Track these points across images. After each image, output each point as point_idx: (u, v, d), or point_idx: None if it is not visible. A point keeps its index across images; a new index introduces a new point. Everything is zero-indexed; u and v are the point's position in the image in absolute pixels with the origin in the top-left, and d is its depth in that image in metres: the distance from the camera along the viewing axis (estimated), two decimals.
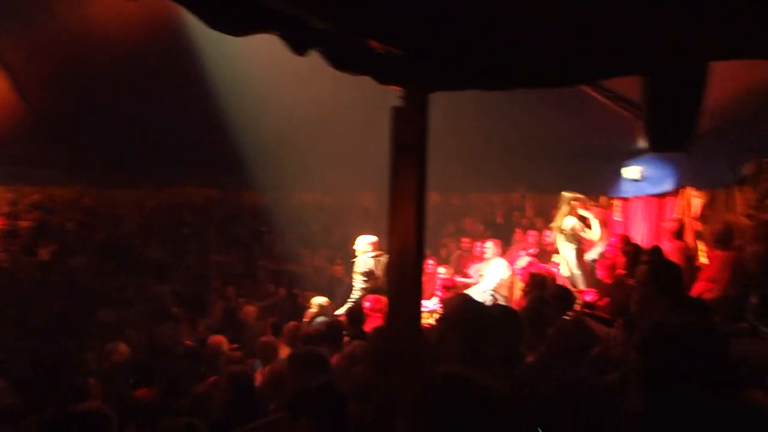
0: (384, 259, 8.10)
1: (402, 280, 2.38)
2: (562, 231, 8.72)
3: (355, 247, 8.31)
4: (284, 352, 7.36)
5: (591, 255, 8.87)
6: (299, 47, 2.20)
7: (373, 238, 8.30)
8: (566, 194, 8.78)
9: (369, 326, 6.31)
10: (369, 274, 8.08)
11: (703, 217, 7.25)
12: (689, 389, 1.67)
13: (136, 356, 8.18)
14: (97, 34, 10.23)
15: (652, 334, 1.79)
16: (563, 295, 5.84)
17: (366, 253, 8.17)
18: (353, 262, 8.30)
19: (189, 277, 12.34)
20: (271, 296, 11.50)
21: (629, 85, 6.53)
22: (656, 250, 6.83)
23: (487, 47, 2.34)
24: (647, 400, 1.73)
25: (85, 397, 5.59)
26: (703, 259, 7.14)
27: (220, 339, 7.40)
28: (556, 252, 9.28)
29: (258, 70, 9.61)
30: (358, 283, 8.05)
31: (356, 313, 6.78)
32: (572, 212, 8.70)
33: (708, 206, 7.17)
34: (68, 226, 14.83)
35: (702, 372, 1.68)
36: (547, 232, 9.94)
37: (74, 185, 15.79)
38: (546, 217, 11.18)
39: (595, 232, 8.68)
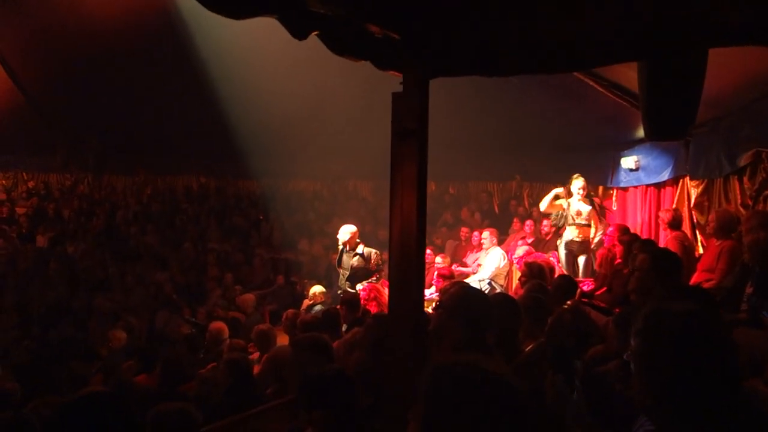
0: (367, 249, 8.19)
1: (404, 263, 2.39)
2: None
3: (339, 237, 8.36)
4: (282, 339, 7.42)
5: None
6: (299, 31, 2.19)
7: (353, 228, 8.34)
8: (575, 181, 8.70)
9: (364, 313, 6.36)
10: (361, 263, 8.15)
11: (700, 207, 7.26)
12: (695, 377, 1.66)
13: (136, 342, 8.21)
14: (93, 22, 10.19)
15: (656, 320, 1.76)
16: (564, 284, 5.86)
17: (351, 243, 8.24)
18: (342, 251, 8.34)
19: (187, 264, 12.33)
20: (268, 284, 11.52)
21: (626, 75, 6.53)
22: (650, 241, 6.87)
23: (485, 33, 2.33)
24: (651, 388, 1.72)
25: (86, 382, 5.61)
26: (700, 249, 7.17)
27: (221, 326, 7.42)
28: (555, 241, 9.30)
29: (255, 58, 9.59)
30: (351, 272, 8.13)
31: (352, 301, 6.82)
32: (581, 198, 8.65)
33: (705, 196, 7.18)
34: (65, 214, 14.82)
35: (708, 360, 1.66)
36: (545, 221, 9.95)
37: (70, 172, 15.78)
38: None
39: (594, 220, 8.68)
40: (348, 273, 8.24)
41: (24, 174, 16.00)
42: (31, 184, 15.93)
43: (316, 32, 2.25)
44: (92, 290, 11.31)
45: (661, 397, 1.71)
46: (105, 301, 10.70)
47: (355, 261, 8.20)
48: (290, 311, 7.39)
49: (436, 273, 8.59)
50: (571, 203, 8.59)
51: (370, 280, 8.00)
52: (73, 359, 7.81)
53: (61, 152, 14.84)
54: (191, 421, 3.34)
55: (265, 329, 6.74)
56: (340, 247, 8.39)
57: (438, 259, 9.48)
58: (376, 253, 8.23)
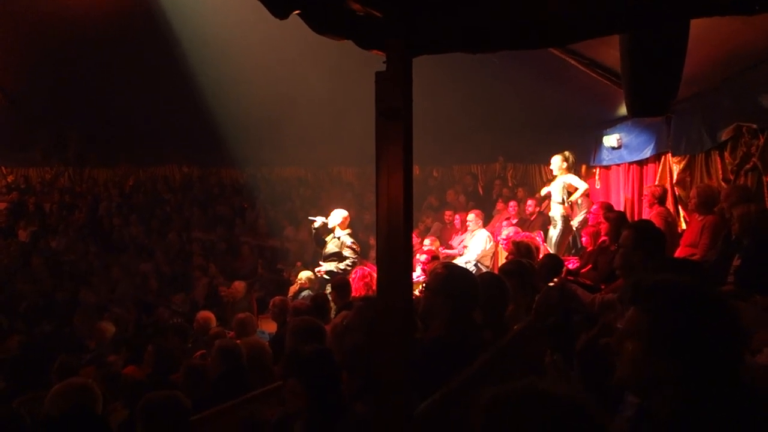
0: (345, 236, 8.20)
1: (392, 245, 2.38)
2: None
3: (329, 220, 8.33)
4: (270, 326, 7.41)
5: (574, 222, 8.96)
6: (279, 10, 2.17)
7: (345, 213, 8.35)
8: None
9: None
10: (350, 249, 8.15)
11: (682, 183, 7.31)
12: (701, 349, 1.64)
13: (123, 334, 8.18)
14: (71, 15, 10.03)
15: (658, 293, 1.72)
16: (550, 262, 5.89)
17: (342, 228, 8.24)
18: (332, 236, 8.32)
19: (172, 254, 12.28)
20: (256, 272, 11.50)
21: (607, 53, 6.55)
22: (622, 216, 6.99)
23: (468, 9, 2.32)
24: (656, 363, 1.68)
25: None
26: (683, 224, 7.23)
27: (208, 315, 7.40)
28: (538, 221, 9.37)
29: (235, 46, 9.50)
30: (341, 256, 8.13)
31: (342, 285, 6.82)
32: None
33: (687, 172, 7.24)
34: (47, 207, 14.67)
35: (712, 331, 1.65)
36: (530, 201, 10.01)
37: (51, 165, 15.62)
38: (527, 186, 11.25)
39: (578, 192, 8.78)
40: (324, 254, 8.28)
41: (3, 168, 15.79)
42: (10, 179, 15.73)
43: (297, 11, 2.23)
44: (77, 283, 11.23)
45: (661, 372, 1.68)
46: (90, 294, 10.64)
47: (332, 244, 8.21)
48: (277, 298, 7.37)
49: (418, 255, 8.60)
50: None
51: (342, 265, 7.99)
52: (61, 353, 7.76)
53: (41, 146, 14.67)
54: (181, 408, 3.34)
55: (244, 317, 6.73)
56: (316, 226, 8.36)
57: (426, 242, 9.51)
58: (354, 242, 8.23)
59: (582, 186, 8.77)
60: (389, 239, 2.44)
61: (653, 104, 4.36)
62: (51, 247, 12.86)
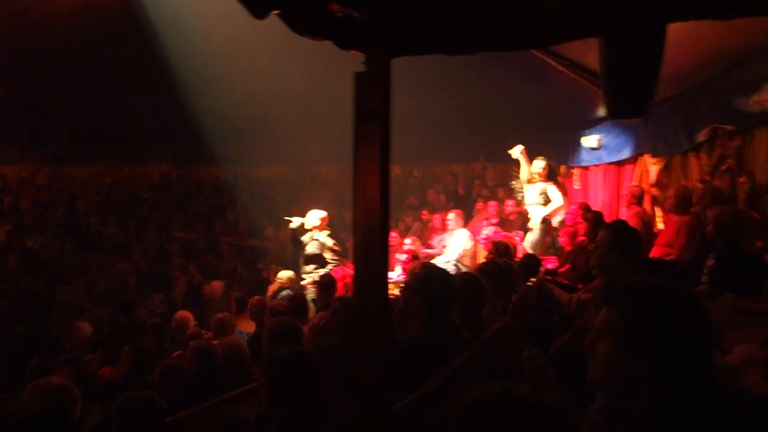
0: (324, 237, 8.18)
1: (368, 246, 2.38)
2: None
3: (306, 221, 8.29)
4: (248, 326, 7.38)
5: (554, 222, 9.01)
6: (258, 10, 2.15)
7: (323, 213, 8.31)
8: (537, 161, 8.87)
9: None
10: (331, 251, 8.13)
11: (659, 184, 7.39)
12: (672, 350, 1.65)
13: (101, 334, 8.09)
14: (47, 9, 9.89)
15: (631, 294, 1.73)
16: (528, 262, 5.94)
17: (320, 229, 8.22)
18: (309, 236, 8.30)
19: (150, 254, 12.17)
20: (234, 271, 11.44)
21: (587, 54, 6.59)
22: (600, 216, 7.05)
23: (447, 11, 2.32)
24: (631, 364, 1.69)
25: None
26: (659, 224, 7.31)
27: (186, 315, 7.34)
28: (518, 221, 9.42)
29: (216, 44, 9.44)
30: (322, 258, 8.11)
31: (328, 284, 6.81)
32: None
33: (664, 173, 7.32)
34: (23, 206, 14.47)
35: (684, 331, 1.66)
36: (509, 202, 10.06)
37: (27, 163, 15.40)
38: (507, 187, 11.31)
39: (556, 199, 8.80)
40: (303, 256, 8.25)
41: None
42: None
43: (276, 11, 2.21)
44: (53, 282, 11.09)
45: (635, 373, 1.69)
46: (67, 294, 10.51)
47: (311, 246, 8.17)
48: (256, 298, 7.35)
49: (398, 255, 8.61)
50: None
51: (326, 268, 7.96)
52: (36, 353, 7.66)
53: (18, 143, 14.46)
54: (156, 409, 3.32)
55: (222, 317, 6.70)
56: (293, 226, 8.32)
57: (407, 241, 9.52)
58: (335, 243, 8.19)
59: (556, 202, 8.76)
60: (366, 239, 2.44)
61: (631, 106, 4.40)
62: (27, 245, 12.69)
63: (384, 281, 2.55)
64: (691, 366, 1.66)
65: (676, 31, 3.91)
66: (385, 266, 2.54)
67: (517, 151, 8.97)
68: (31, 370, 5.76)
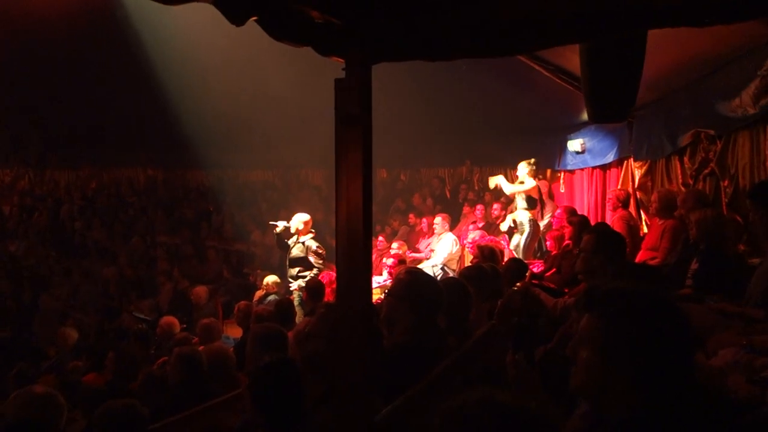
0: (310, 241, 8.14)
1: (351, 251, 2.38)
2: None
3: (290, 224, 8.28)
4: (235, 331, 7.34)
5: (541, 224, 9.03)
6: (236, 17, 2.14)
7: (307, 217, 8.30)
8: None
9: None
10: (316, 254, 8.11)
11: (643, 188, 7.44)
12: (653, 356, 1.65)
13: (86, 341, 8.02)
14: (31, 13, 9.80)
15: (611, 300, 1.73)
16: (514, 266, 5.93)
17: (305, 233, 8.20)
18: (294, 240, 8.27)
19: (135, 259, 12.08)
20: (220, 276, 11.37)
21: (570, 59, 6.63)
22: (585, 220, 7.08)
23: (427, 17, 2.32)
24: (612, 371, 1.68)
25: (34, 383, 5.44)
26: (644, 228, 7.36)
27: (172, 320, 7.29)
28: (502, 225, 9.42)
29: (200, 47, 9.39)
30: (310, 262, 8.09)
31: (315, 288, 6.79)
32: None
33: (648, 176, 7.37)
34: (5, 211, 14.30)
35: (668, 336, 1.66)
36: (496, 205, 10.08)
37: (10, 168, 15.22)
38: (493, 191, 11.33)
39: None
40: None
41: None
42: None
43: (254, 17, 2.21)
44: (37, 288, 10.98)
45: (616, 380, 1.68)
46: (51, 300, 10.42)
47: (296, 249, 8.16)
48: (242, 303, 7.31)
49: (385, 259, 8.60)
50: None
51: (312, 273, 7.94)
52: (19, 360, 7.58)
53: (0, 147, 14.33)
54: (138, 417, 3.28)
55: (208, 323, 6.65)
56: (278, 230, 8.31)
57: (394, 245, 9.51)
58: (318, 246, 8.18)
59: (528, 184, 8.65)
60: (349, 243, 2.44)
61: (613, 111, 4.43)
62: (10, 251, 12.55)
63: (367, 284, 2.55)
64: (673, 371, 1.66)
65: (657, 35, 3.94)
66: (369, 270, 2.54)
67: (494, 182, 8.94)
68: (13, 378, 5.69)
